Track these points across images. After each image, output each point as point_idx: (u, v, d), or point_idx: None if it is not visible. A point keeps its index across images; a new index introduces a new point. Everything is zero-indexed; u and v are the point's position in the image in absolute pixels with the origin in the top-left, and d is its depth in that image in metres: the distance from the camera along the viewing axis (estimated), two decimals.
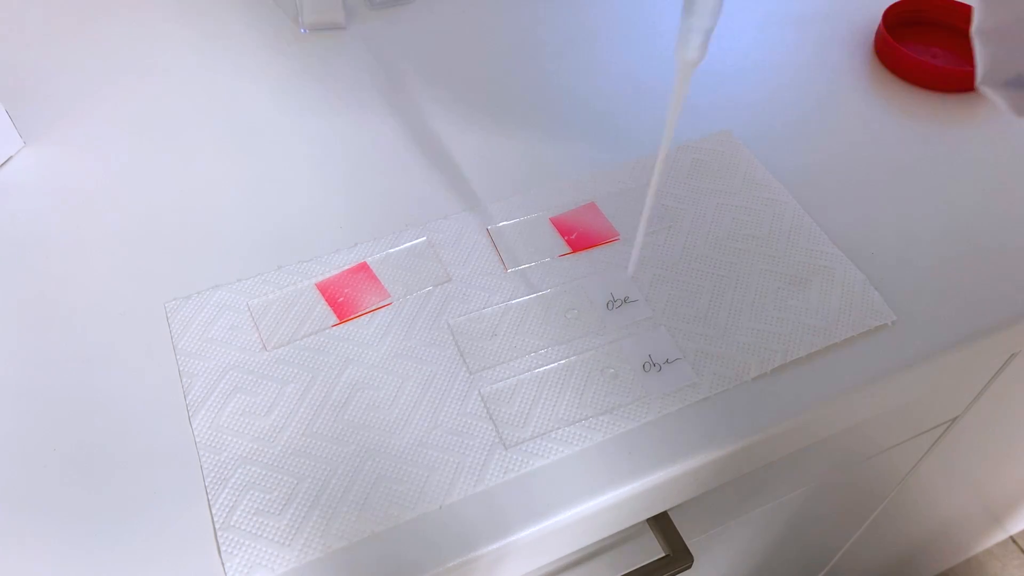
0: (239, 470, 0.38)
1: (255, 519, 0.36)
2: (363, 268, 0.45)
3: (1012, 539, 1.23)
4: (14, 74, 0.56)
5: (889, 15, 0.59)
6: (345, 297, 0.44)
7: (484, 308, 0.44)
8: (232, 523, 0.36)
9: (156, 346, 0.42)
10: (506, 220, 0.48)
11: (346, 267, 0.45)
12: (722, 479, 0.42)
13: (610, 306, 0.44)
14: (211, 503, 0.37)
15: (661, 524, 0.47)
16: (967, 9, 0.59)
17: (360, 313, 0.43)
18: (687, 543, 0.47)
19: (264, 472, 0.38)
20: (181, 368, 0.41)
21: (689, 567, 0.46)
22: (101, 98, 0.55)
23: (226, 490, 0.37)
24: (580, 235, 0.47)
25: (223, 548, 0.35)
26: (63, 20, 0.60)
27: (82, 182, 0.50)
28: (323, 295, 0.44)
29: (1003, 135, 0.53)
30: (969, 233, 0.48)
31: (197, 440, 0.39)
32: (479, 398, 0.40)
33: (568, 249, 0.46)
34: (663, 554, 0.46)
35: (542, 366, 0.41)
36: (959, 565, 1.19)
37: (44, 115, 0.54)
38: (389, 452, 0.38)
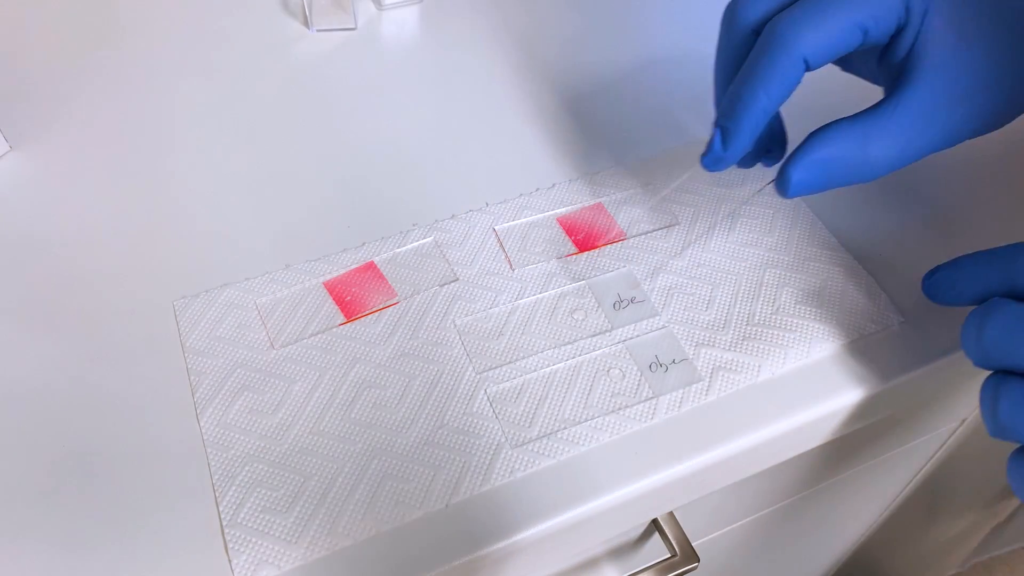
0: (246, 468, 0.38)
1: (262, 516, 0.36)
2: (370, 267, 0.45)
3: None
4: None
5: None
6: (352, 296, 0.44)
7: (491, 308, 0.44)
8: (239, 520, 0.36)
9: (164, 344, 0.42)
10: (513, 220, 0.48)
11: (353, 266, 0.45)
12: (728, 480, 0.42)
13: (617, 306, 0.44)
14: (218, 500, 0.37)
15: (667, 524, 0.47)
16: None
17: (367, 312, 0.43)
18: (693, 544, 0.47)
19: (271, 470, 0.38)
20: (189, 366, 0.41)
21: (695, 568, 0.46)
22: (106, 97, 0.55)
23: (233, 487, 0.37)
24: (587, 235, 0.47)
25: (230, 545, 0.35)
26: (63, 18, 0.61)
27: (88, 182, 0.50)
28: (330, 294, 0.44)
29: (1004, 135, 0.53)
30: (974, 233, 0.47)
31: (205, 437, 0.39)
32: (485, 398, 0.40)
33: (575, 249, 0.46)
34: (669, 555, 0.46)
35: (548, 366, 0.41)
36: (967, 569, 1.19)
37: (37, 117, 0.53)
38: (395, 451, 0.38)
